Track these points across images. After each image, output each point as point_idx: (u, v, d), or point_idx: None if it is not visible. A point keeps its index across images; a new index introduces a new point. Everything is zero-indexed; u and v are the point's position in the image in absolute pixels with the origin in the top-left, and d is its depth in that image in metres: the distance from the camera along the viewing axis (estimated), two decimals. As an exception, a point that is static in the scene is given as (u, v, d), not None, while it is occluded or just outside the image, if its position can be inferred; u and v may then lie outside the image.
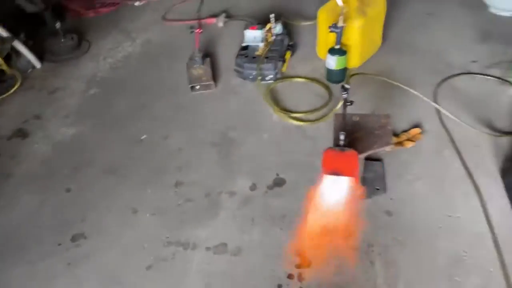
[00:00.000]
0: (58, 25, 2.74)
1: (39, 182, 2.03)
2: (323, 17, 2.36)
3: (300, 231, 1.55)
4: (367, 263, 1.56)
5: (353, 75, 2.36)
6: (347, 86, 1.51)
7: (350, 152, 1.47)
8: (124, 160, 2.09)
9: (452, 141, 1.97)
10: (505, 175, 1.78)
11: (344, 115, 1.59)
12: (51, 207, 1.90)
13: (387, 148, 1.66)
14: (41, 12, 2.81)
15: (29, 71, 2.70)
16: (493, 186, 1.76)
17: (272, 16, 2.51)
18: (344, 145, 1.49)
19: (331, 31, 2.22)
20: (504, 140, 1.93)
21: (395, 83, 2.23)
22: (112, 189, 1.95)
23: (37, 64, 2.72)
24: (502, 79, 2.24)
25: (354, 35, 2.29)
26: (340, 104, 2.04)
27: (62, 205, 1.91)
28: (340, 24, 2.18)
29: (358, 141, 1.63)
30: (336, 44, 2.25)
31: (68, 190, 1.97)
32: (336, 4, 2.21)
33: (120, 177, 2.00)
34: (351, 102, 1.56)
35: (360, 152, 1.54)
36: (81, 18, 3.18)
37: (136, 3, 3.28)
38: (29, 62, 2.68)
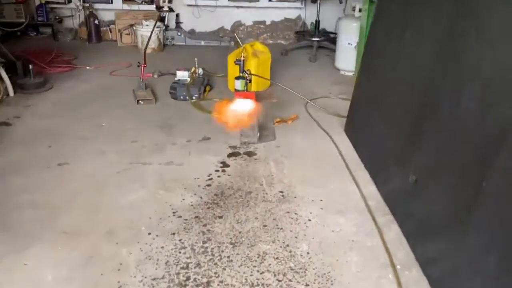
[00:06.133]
0: (31, 66, 3.61)
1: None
2: (231, 58, 3.55)
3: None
4: (265, 164, 2.51)
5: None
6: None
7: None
8: (91, 132, 2.89)
9: (315, 120, 3.11)
10: (345, 130, 2.92)
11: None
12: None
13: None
14: (14, 62, 3.69)
15: (4, 97, 3.44)
16: (339, 136, 2.87)
17: (196, 60, 3.66)
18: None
19: (236, 64, 3.38)
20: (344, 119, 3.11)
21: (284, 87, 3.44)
22: (83, 145, 2.72)
23: (11, 93, 3.48)
24: (343, 99, 3.53)
25: (251, 68, 3.48)
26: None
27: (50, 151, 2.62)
28: (241, 58, 3.37)
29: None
30: (240, 72, 3.39)
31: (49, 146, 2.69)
32: (239, 52, 3.42)
33: (88, 140, 2.78)
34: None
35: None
36: (42, 73, 4.03)
37: (87, 68, 4.27)
38: (5, 89, 3.44)
